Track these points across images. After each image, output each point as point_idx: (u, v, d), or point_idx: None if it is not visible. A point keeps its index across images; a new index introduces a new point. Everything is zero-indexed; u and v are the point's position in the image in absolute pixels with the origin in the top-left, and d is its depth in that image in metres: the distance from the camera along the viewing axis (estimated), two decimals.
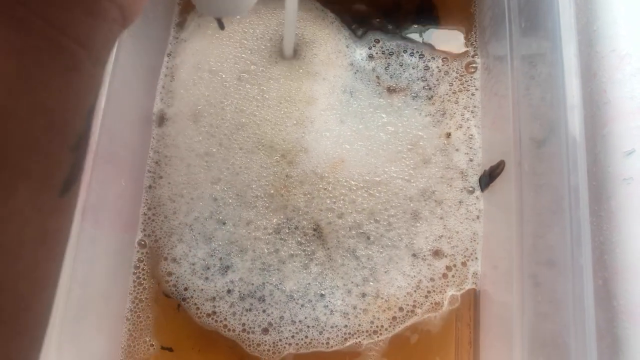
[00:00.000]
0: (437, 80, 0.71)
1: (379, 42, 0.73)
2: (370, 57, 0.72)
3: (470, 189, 0.67)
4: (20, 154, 0.22)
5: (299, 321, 0.62)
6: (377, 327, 0.62)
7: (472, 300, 0.64)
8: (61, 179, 0.25)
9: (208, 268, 0.64)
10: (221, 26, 0.52)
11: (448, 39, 0.73)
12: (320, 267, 0.64)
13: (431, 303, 0.63)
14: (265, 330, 0.62)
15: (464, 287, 0.64)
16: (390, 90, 0.70)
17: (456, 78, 0.71)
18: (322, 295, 0.63)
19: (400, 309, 0.63)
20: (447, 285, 0.64)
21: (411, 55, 0.72)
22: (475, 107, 0.70)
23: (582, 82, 0.44)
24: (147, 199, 0.67)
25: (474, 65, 0.71)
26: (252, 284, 0.63)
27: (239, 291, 0.63)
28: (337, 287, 0.63)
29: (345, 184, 0.66)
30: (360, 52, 0.72)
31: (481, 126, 0.69)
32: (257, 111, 0.69)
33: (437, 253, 0.65)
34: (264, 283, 0.63)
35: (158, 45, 0.72)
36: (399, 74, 0.71)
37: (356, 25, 0.74)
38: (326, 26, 0.74)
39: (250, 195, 0.66)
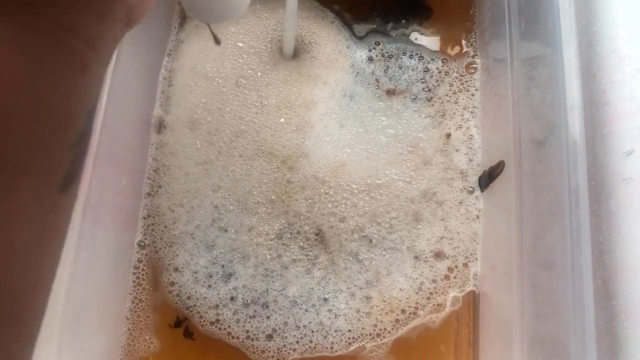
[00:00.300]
0: (437, 81, 0.72)
1: (379, 44, 0.74)
2: (370, 59, 0.73)
3: (470, 189, 0.68)
4: (22, 152, 0.23)
5: (303, 326, 0.64)
6: (380, 330, 0.64)
7: (472, 301, 0.66)
8: (61, 176, 0.25)
9: (211, 276, 0.65)
10: (217, 41, 0.52)
11: (448, 40, 0.75)
12: (323, 271, 0.65)
13: (433, 305, 0.65)
14: (270, 337, 0.63)
15: (466, 289, 0.65)
16: (390, 93, 0.72)
17: (456, 78, 0.72)
18: (325, 299, 0.64)
19: (403, 311, 0.64)
20: (449, 287, 0.65)
21: (410, 58, 0.73)
22: (475, 107, 0.71)
23: (581, 83, 0.45)
24: (146, 205, 0.68)
25: (474, 65, 0.72)
26: (256, 291, 0.64)
27: (242, 298, 0.64)
28: (341, 290, 0.64)
29: (346, 187, 0.67)
30: (360, 54, 0.74)
31: (481, 126, 0.70)
32: (256, 118, 0.70)
33: (438, 255, 0.66)
34: (267, 289, 0.65)
35: (159, 45, 0.73)
36: (398, 77, 0.72)
37: (357, 26, 0.75)
38: (326, 26, 0.75)
39: (252, 201, 0.67)
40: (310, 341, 0.63)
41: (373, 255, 0.65)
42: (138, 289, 0.65)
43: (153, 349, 0.64)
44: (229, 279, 0.65)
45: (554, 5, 0.49)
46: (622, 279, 0.36)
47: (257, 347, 0.63)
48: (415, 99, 0.71)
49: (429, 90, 0.72)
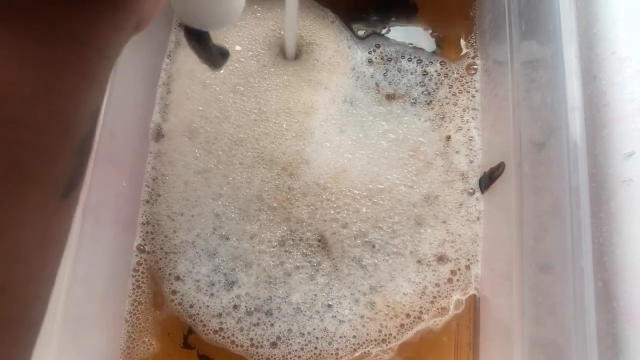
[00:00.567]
0: (436, 85, 0.73)
1: (379, 47, 0.75)
2: (370, 62, 0.74)
3: (471, 190, 0.69)
4: (31, 160, 0.23)
5: (308, 333, 0.64)
6: (385, 335, 0.65)
7: (472, 303, 0.67)
8: (64, 182, 0.26)
9: (213, 284, 0.66)
10: (214, 64, 0.47)
11: (448, 42, 0.76)
12: (327, 277, 0.66)
13: (437, 308, 0.66)
14: (274, 344, 0.64)
15: (469, 292, 0.66)
16: (389, 97, 0.73)
17: (456, 79, 0.73)
18: (329, 305, 0.65)
19: (407, 315, 0.65)
20: (453, 290, 0.66)
21: (409, 61, 0.74)
22: (475, 109, 0.72)
23: (582, 84, 0.46)
24: (145, 211, 0.69)
25: (474, 67, 0.73)
26: (259, 298, 0.65)
27: (245, 306, 0.65)
28: (344, 296, 0.65)
29: (348, 193, 0.68)
30: (361, 55, 0.75)
31: (481, 128, 0.71)
32: (255, 125, 0.71)
33: (441, 258, 0.67)
34: (270, 296, 0.65)
35: (159, 46, 0.75)
36: (398, 80, 0.73)
37: (358, 27, 0.76)
38: (326, 26, 0.76)
39: (253, 209, 0.68)
40: (315, 348, 0.64)
41: (376, 261, 0.66)
42: (137, 292, 0.66)
43: (152, 350, 0.65)
44: (231, 287, 0.66)
45: (555, 7, 0.49)
46: (623, 280, 0.37)
47: (261, 355, 0.64)
48: (414, 102, 0.72)
49: (429, 93, 0.73)
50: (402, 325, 0.65)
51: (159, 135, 0.71)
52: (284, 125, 0.71)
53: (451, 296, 0.66)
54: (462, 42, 0.75)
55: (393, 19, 0.77)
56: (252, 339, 0.64)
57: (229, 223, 0.68)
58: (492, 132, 0.68)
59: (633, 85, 0.41)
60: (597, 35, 0.44)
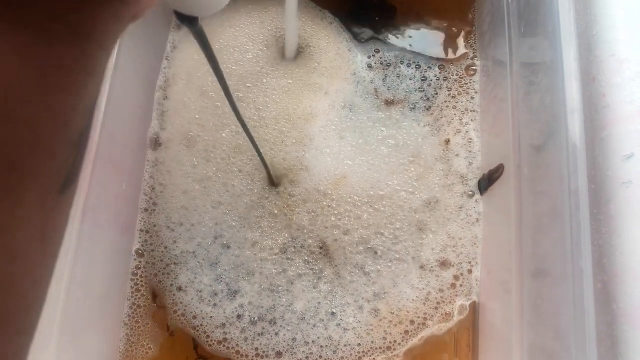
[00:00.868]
0: (435, 90, 0.74)
1: (378, 52, 0.76)
2: (370, 67, 0.75)
3: (470, 193, 0.70)
4: (30, 156, 0.23)
5: (312, 342, 0.65)
6: (390, 342, 0.65)
7: (472, 306, 0.67)
8: (62, 177, 0.26)
9: (216, 294, 0.67)
10: (210, 56, 0.47)
11: (447, 43, 0.77)
12: (330, 285, 0.67)
13: (442, 314, 0.67)
14: (279, 354, 0.65)
15: (472, 297, 0.67)
16: (389, 103, 0.74)
17: (455, 81, 0.74)
18: (333, 313, 0.66)
19: (412, 322, 0.66)
20: (456, 295, 0.67)
21: (408, 67, 0.75)
22: (474, 111, 0.73)
23: (581, 86, 0.46)
24: (143, 219, 0.70)
25: (474, 68, 0.75)
26: (262, 307, 0.66)
27: (249, 315, 0.66)
28: (348, 304, 0.66)
29: (349, 200, 0.69)
30: (361, 60, 0.76)
31: (481, 130, 0.72)
32: (254, 132, 0.70)
33: (444, 264, 0.68)
34: (274, 305, 0.66)
35: (157, 47, 0.76)
36: (397, 86, 0.74)
37: (357, 29, 0.77)
38: (325, 27, 0.77)
39: (254, 216, 0.69)
40: (320, 357, 0.65)
41: (379, 268, 0.67)
42: (137, 295, 0.67)
43: (152, 354, 0.66)
44: (234, 296, 0.66)
45: (554, 9, 0.50)
46: (622, 282, 0.37)
47: None
48: (414, 108, 0.73)
49: (428, 99, 0.74)
50: (406, 332, 0.65)
51: (156, 144, 0.72)
52: (284, 132, 0.72)
53: (455, 302, 0.67)
54: (462, 43, 0.77)
55: (392, 21, 0.78)
56: (257, 349, 0.65)
57: (229, 231, 0.68)
58: (491, 134, 0.69)
59: (632, 87, 0.42)
60: (597, 38, 0.45)
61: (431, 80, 0.74)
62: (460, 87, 0.74)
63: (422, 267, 0.67)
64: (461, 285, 0.67)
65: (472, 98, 0.73)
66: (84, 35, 0.25)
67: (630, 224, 0.39)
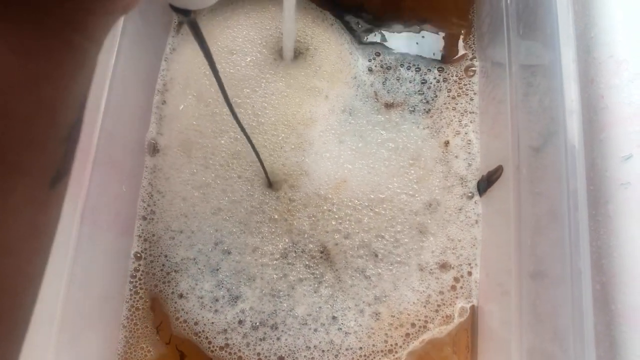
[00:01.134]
0: (435, 92, 0.75)
1: (379, 55, 0.77)
2: (370, 70, 0.76)
3: (470, 194, 0.71)
4: (20, 150, 0.23)
5: (314, 346, 0.66)
6: (391, 345, 0.66)
7: (471, 306, 0.68)
8: (53, 172, 0.25)
9: (217, 300, 0.67)
10: (205, 50, 0.47)
11: (446, 44, 0.78)
12: (331, 289, 0.67)
13: (442, 317, 0.67)
14: (281, 358, 0.66)
15: (472, 299, 0.68)
16: (388, 106, 0.75)
17: (455, 82, 0.75)
18: (334, 317, 0.67)
19: (413, 324, 0.67)
20: (457, 298, 0.68)
21: (408, 69, 0.76)
22: (473, 112, 0.74)
23: (580, 87, 0.47)
24: (141, 225, 0.70)
25: (473, 68, 0.76)
26: (264, 312, 0.67)
27: (250, 321, 0.66)
28: (349, 308, 0.67)
29: (349, 204, 0.70)
30: (362, 63, 0.77)
31: (479, 131, 0.73)
32: (253, 138, 0.71)
33: (444, 266, 0.68)
34: (275, 310, 0.67)
35: (157, 48, 0.76)
36: (396, 89, 0.75)
37: (360, 30, 0.78)
38: (326, 28, 0.78)
39: (254, 221, 0.69)
40: None
41: (380, 271, 0.68)
42: (135, 297, 0.68)
43: (150, 357, 0.66)
44: (235, 302, 0.67)
45: (552, 11, 0.51)
46: (621, 283, 0.38)
47: None
48: (413, 110, 0.74)
49: (427, 102, 0.75)
50: (407, 335, 0.66)
51: (154, 150, 0.73)
52: (283, 137, 0.72)
53: (455, 304, 0.67)
54: (461, 44, 0.78)
55: (392, 23, 0.79)
56: (259, 354, 0.65)
57: (230, 237, 0.69)
58: (490, 135, 0.70)
59: (631, 88, 0.43)
60: (595, 39, 0.46)
61: (430, 83, 0.75)
62: (460, 88, 0.75)
63: (422, 270, 0.68)
64: (461, 287, 0.68)
65: (471, 99, 0.74)
66: (74, 27, 0.25)
67: (628, 224, 0.39)
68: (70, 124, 0.26)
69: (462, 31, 0.78)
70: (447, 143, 0.72)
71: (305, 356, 0.65)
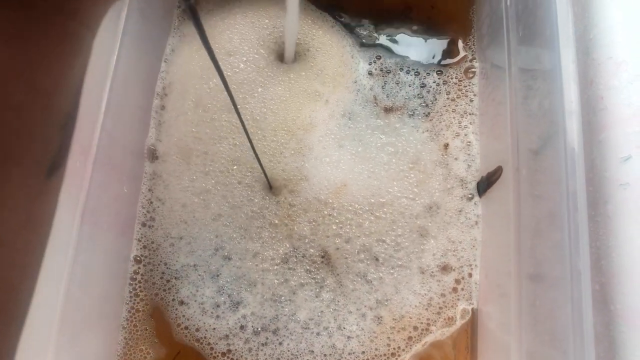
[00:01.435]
0: (434, 96, 0.76)
1: (380, 58, 0.78)
2: (370, 74, 0.77)
3: (470, 195, 0.72)
4: (14, 140, 0.23)
5: (317, 351, 0.67)
6: (394, 349, 0.67)
7: (472, 307, 0.69)
8: (48, 161, 0.26)
9: (218, 306, 0.68)
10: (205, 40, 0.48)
11: (446, 46, 0.79)
12: (332, 293, 0.68)
13: (444, 319, 0.68)
14: None
15: (473, 301, 0.69)
16: (387, 110, 0.76)
17: (455, 84, 0.76)
18: (336, 322, 0.67)
19: (415, 328, 0.68)
20: (458, 300, 0.69)
21: (407, 73, 0.77)
22: (472, 113, 0.75)
23: (579, 89, 0.48)
24: (140, 230, 0.71)
25: (473, 70, 0.77)
26: (265, 317, 0.67)
27: (252, 326, 0.67)
28: (351, 312, 0.68)
29: (350, 208, 0.70)
30: (363, 67, 0.77)
31: (479, 133, 0.74)
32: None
33: (445, 268, 0.69)
34: (277, 315, 0.67)
35: (157, 49, 0.77)
36: (395, 93, 0.76)
37: (361, 33, 0.79)
38: (327, 31, 0.78)
39: (255, 227, 0.70)
40: None
41: (381, 275, 0.69)
42: (135, 300, 0.69)
43: (149, 359, 0.67)
44: (237, 307, 0.68)
45: (552, 13, 0.52)
46: (620, 283, 0.39)
47: None
48: (412, 114, 0.75)
49: (426, 105, 0.76)
50: (410, 338, 0.67)
51: (153, 156, 0.73)
52: (283, 143, 0.73)
53: (457, 306, 0.68)
54: (461, 45, 0.79)
55: (392, 24, 0.80)
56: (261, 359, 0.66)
57: (230, 243, 0.70)
58: (490, 136, 0.71)
59: (630, 89, 0.43)
60: (594, 41, 0.46)
61: (430, 87, 0.76)
62: (459, 89, 0.76)
63: (423, 273, 0.69)
64: (462, 289, 0.69)
65: (471, 101, 0.75)
66: (69, 13, 0.25)
67: (627, 225, 0.40)
68: (66, 112, 0.26)
69: (462, 32, 0.79)
70: (446, 145, 0.73)
71: None
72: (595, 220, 0.42)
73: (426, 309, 0.68)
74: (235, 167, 0.72)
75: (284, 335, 0.66)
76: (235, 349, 0.66)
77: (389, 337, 0.67)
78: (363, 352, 0.66)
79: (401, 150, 0.73)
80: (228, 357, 0.66)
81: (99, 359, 0.64)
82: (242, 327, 0.67)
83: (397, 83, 0.76)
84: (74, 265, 0.54)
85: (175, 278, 0.69)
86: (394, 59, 0.78)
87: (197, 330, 0.67)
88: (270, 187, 0.70)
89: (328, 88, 0.75)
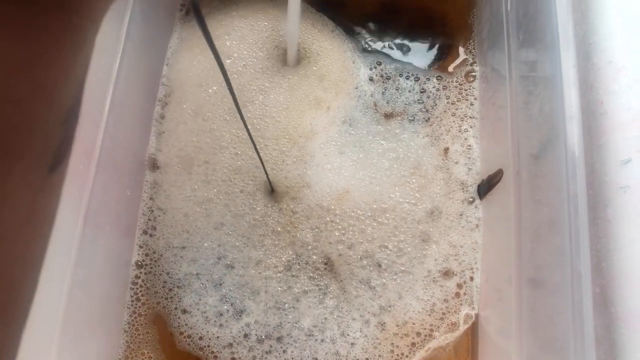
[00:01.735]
0: (434, 101, 0.77)
1: (380, 64, 0.79)
2: (371, 79, 0.78)
3: (470, 199, 0.73)
4: (16, 135, 0.23)
5: (321, 358, 0.67)
6: (397, 355, 0.68)
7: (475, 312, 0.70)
8: (51, 155, 0.26)
9: (221, 314, 0.69)
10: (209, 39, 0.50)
11: (447, 49, 0.80)
12: (335, 300, 0.69)
13: (447, 324, 0.69)
14: None
15: (476, 306, 0.70)
16: (387, 116, 0.77)
17: (455, 87, 0.77)
18: (340, 328, 0.68)
19: (418, 333, 0.68)
20: (461, 305, 0.70)
21: (407, 79, 0.78)
22: (473, 117, 0.76)
23: (579, 93, 0.48)
24: (144, 242, 0.72)
25: (473, 73, 0.78)
26: (269, 325, 0.68)
27: (256, 334, 0.68)
28: (354, 318, 0.68)
29: (352, 214, 0.71)
30: (364, 72, 0.78)
31: (480, 136, 0.75)
32: (253, 152, 0.72)
33: (447, 273, 0.70)
34: (280, 323, 0.68)
35: (159, 52, 0.78)
36: (396, 99, 0.77)
37: (361, 37, 0.80)
38: (327, 35, 0.79)
39: (257, 234, 0.71)
40: None
41: (384, 281, 0.69)
42: (137, 304, 0.69)
43: None
44: (240, 315, 0.68)
45: (552, 18, 0.53)
46: (620, 286, 0.39)
47: None
48: (412, 120, 0.76)
49: (426, 110, 0.77)
50: (413, 344, 0.68)
51: (154, 166, 0.74)
52: (284, 151, 0.74)
53: (460, 311, 0.69)
54: (461, 49, 0.80)
55: (393, 29, 0.81)
56: None
57: (233, 251, 0.70)
58: (490, 140, 0.72)
59: (629, 94, 0.44)
60: (594, 45, 0.47)
61: (430, 92, 0.77)
62: (460, 93, 0.77)
63: (426, 278, 0.70)
64: (465, 294, 0.69)
65: (472, 104, 0.76)
66: (71, 6, 0.25)
67: (627, 228, 0.41)
68: (68, 107, 0.27)
69: (463, 36, 0.80)
70: (446, 150, 0.74)
71: None
72: (595, 223, 0.43)
73: (429, 315, 0.68)
74: (237, 176, 0.73)
75: (288, 343, 0.67)
76: (240, 357, 0.67)
77: (392, 343, 0.67)
78: (367, 359, 0.67)
79: (402, 156, 0.74)
80: None
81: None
82: (245, 336, 0.67)
83: (397, 89, 0.77)
84: (77, 266, 0.55)
85: (178, 287, 0.69)
86: (394, 65, 0.79)
87: (201, 338, 0.68)
88: (273, 189, 0.71)
89: (330, 94, 0.76)
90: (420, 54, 0.79)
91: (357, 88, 0.77)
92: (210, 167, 0.73)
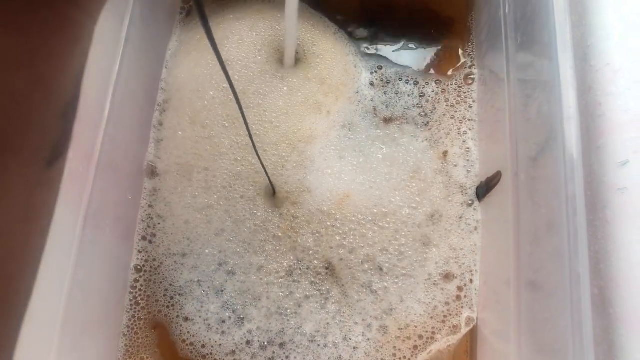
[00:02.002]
0: (433, 105, 0.78)
1: (381, 68, 0.80)
2: (372, 84, 0.79)
3: (470, 201, 0.74)
4: (13, 129, 0.24)
5: None
6: (399, 358, 0.68)
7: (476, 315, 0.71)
8: (49, 149, 0.26)
9: (223, 321, 0.69)
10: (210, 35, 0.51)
11: (446, 52, 0.81)
12: (337, 305, 0.70)
13: (449, 327, 0.70)
14: None
15: (475, 308, 0.70)
16: (387, 120, 0.77)
17: (454, 90, 0.78)
18: (342, 333, 0.69)
19: (420, 336, 0.69)
20: (462, 307, 0.70)
21: (406, 83, 0.79)
22: (472, 119, 0.77)
23: (577, 95, 0.49)
24: (143, 248, 0.72)
25: (472, 76, 0.79)
26: (271, 331, 0.69)
27: (258, 340, 0.68)
28: (356, 323, 0.69)
29: (353, 219, 0.72)
30: (365, 77, 0.79)
31: (478, 139, 0.76)
32: (254, 158, 0.74)
33: (447, 276, 0.71)
34: (282, 328, 0.69)
35: (158, 53, 0.79)
36: (395, 103, 0.78)
37: (362, 41, 0.81)
38: (329, 37, 0.80)
39: (258, 240, 0.71)
40: None
41: (386, 285, 0.70)
42: (136, 308, 0.70)
43: None
44: (242, 322, 0.69)
45: (550, 20, 0.54)
46: (618, 287, 0.40)
47: None
48: (411, 124, 0.77)
49: (425, 114, 0.77)
50: (415, 347, 0.68)
51: (153, 174, 0.75)
52: (284, 156, 0.74)
53: (461, 314, 0.70)
54: (460, 52, 0.81)
55: (392, 32, 0.82)
56: None
57: (234, 257, 0.71)
58: (489, 142, 0.72)
59: (627, 96, 0.44)
60: (592, 47, 0.48)
61: (429, 96, 0.78)
62: (458, 95, 0.78)
63: (427, 281, 0.71)
64: (465, 297, 0.70)
65: (470, 107, 0.77)
66: (74, 3, 0.25)
67: (625, 229, 0.41)
68: (66, 101, 0.27)
69: (461, 39, 0.81)
70: (445, 153, 0.75)
71: None
72: (593, 225, 0.44)
73: (431, 318, 0.69)
74: (238, 182, 0.73)
75: (291, 349, 0.68)
76: None
77: (394, 347, 0.68)
78: None
79: (402, 160, 0.75)
80: None
81: None
82: (248, 342, 0.68)
83: (396, 93, 0.78)
84: (76, 266, 0.55)
85: (179, 294, 0.70)
86: (394, 69, 0.80)
87: (203, 346, 0.68)
88: (274, 192, 0.71)
89: (331, 99, 0.77)
90: (420, 57, 0.80)
91: (357, 92, 0.78)
92: (210, 173, 0.74)
